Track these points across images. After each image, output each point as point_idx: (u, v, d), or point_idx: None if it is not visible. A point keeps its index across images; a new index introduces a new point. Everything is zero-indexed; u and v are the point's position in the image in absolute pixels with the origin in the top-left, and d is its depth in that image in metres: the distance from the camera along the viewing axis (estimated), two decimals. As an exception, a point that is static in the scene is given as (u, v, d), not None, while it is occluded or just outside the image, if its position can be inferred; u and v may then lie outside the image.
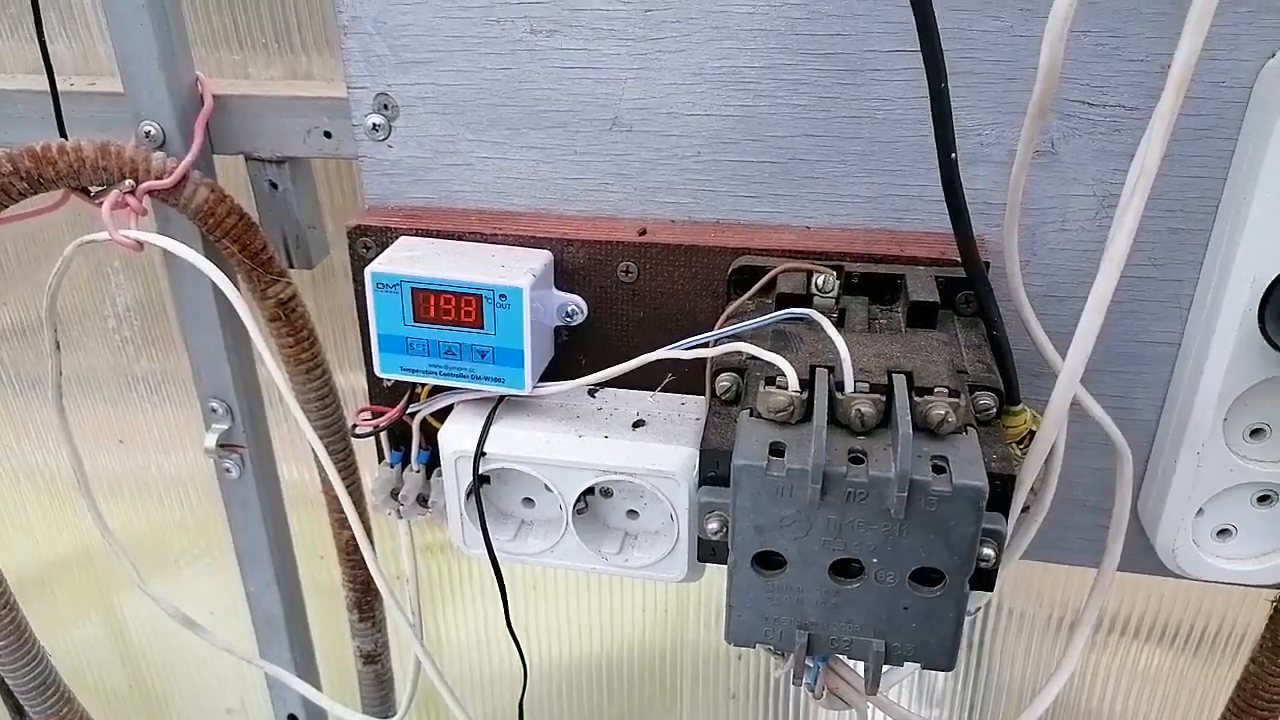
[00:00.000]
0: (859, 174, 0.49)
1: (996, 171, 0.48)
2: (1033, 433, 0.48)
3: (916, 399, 0.37)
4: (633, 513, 0.53)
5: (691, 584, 0.53)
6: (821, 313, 0.44)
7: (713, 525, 0.39)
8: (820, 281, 0.46)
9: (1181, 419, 0.49)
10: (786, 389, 0.38)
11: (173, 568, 1.01)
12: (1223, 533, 0.51)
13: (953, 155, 0.42)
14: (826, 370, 0.39)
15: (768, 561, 0.38)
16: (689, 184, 0.51)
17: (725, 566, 0.43)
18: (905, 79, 0.47)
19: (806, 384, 0.38)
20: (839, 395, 0.38)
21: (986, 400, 0.40)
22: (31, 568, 1.07)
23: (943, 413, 0.36)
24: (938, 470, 0.36)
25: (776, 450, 0.37)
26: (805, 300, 0.45)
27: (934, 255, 0.48)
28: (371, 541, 0.61)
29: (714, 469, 0.40)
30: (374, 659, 0.69)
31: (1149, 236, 0.48)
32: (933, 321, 0.44)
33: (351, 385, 0.86)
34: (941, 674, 0.97)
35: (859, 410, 0.37)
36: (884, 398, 0.38)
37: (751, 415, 0.39)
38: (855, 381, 0.38)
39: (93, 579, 1.07)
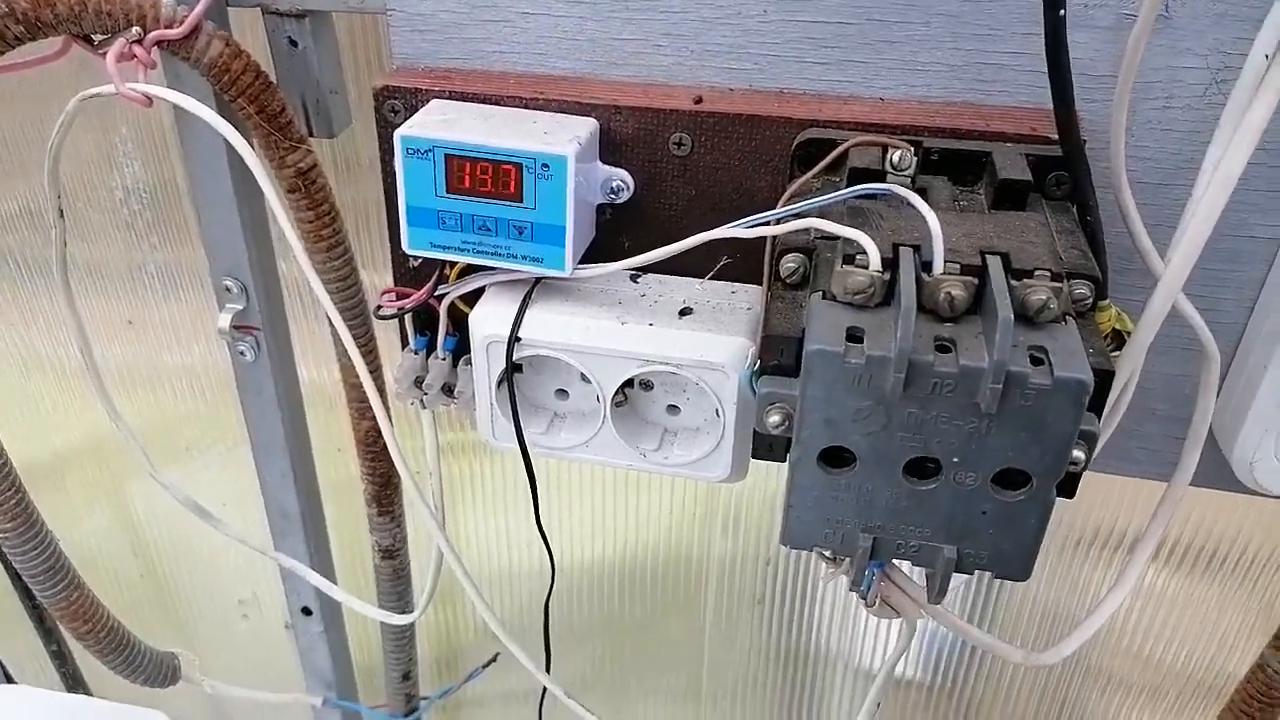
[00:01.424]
0: (943, 38, 0.44)
1: (1099, 39, 0.43)
2: (1116, 330, 0.44)
3: (1013, 283, 0.33)
4: (673, 408, 0.50)
5: (721, 486, 0.50)
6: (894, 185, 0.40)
7: (774, 418, 0.36)
8: (896, 158, 0.41)
9: (1276, 324, 0.45)
10: (867, 268, 0.34)
11: (184, 458, 0.99)
12: (1309, 448, 0.47)
13: (1061, 11, 0.37)
14: (912, 249, 0.34)
15: (835, 458, 0.35)
16: (751, 47, 0.46)
17: (773, 464, 0.40)
18: (1006, -73, 0.41)
19: (889, 263, 0.34)
20: (925, 276, 0.34)
21: (1082, 290, 0.36)
22: (42, 457, 1.06)
23: (1044, 298, 0.32)
24: (1035, 362, 0.32)
25: (854, 335, 0.33)
26: (879, 177, 0.41)
27: (1023, 131, 0.43)
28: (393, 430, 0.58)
29: (778, 356, 0.36)
30: (392, 554, 0.67)
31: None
32: (1022, 203, 0.40)
33: (372, 282, 0.82)
34: (950, 590, 0.95)
35: (948, 293, 0.33)
36: (976, 280, 0.33)
37: (824, 298, 0.35)
38: (945, 262, 0.33)
39: (103, 468, 1.06)
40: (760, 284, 0.48)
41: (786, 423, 0.36)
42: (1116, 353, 0.43)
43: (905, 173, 0.41)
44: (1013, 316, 0.31)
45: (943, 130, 0.43)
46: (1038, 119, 0.43)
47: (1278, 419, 0.46)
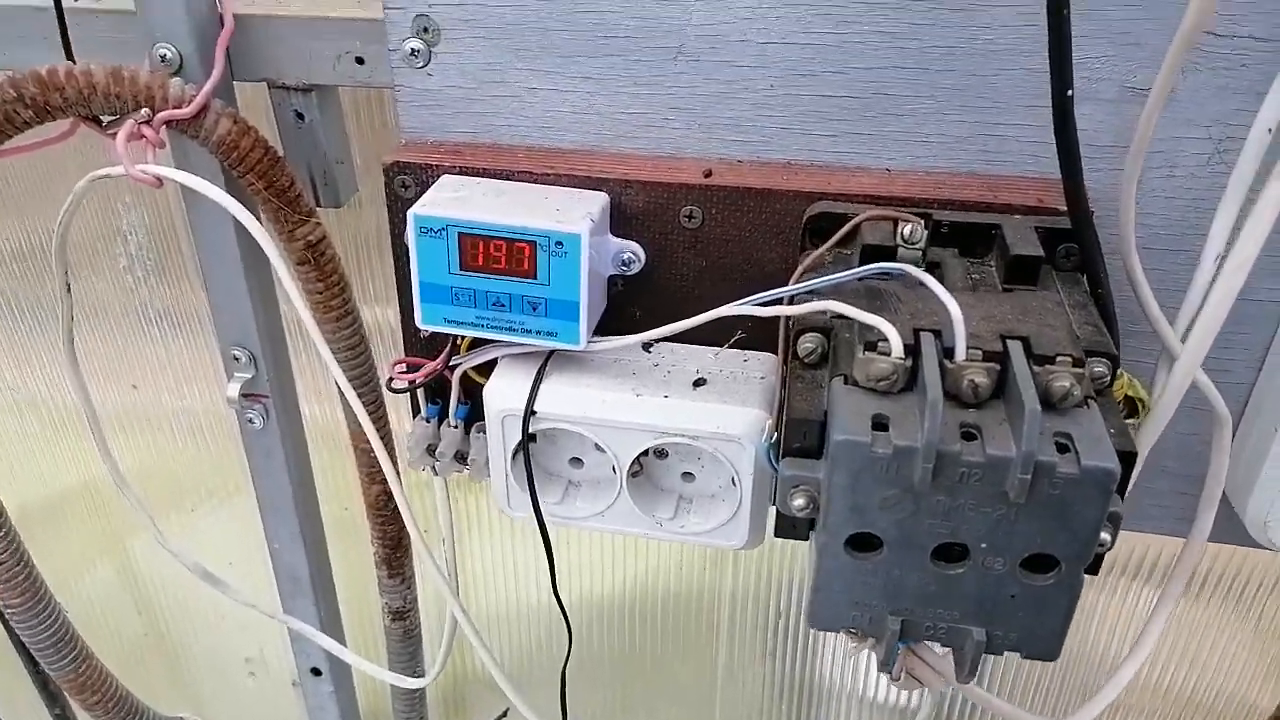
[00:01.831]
0: (950, 111, 0.45)
1: (1104, 110, 0.43)
2: (1129, 397, 0.44)
3: (1036, 369, 0.33)
4: (688, 475, 0.50)
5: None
6: (910, 265, 0.40)
7: (799, 501, 0.36)
8: (907, 231, 0.42)
9: (1287, 384, 0.46)
10: (889, 355, 0.34)
11: (186, 505, 0.98)
12: (1320, 505, 0.48)
13: (1069, 92, 0.38)
14: (933, 334, 0.35)
15: (862, 543, 0.35)
16: (760, 121, 0.46)
17: (803, 542, 0.40)
18: (1009, 3, 0.42)
19: (910, 349, 0.34)
20: (948, 363, 0.34)
21: (1100, 368, 0.36)
22: (39, 507, 1.05)
23: (1066, 385, 0.33)
24: (1061, 449, 0.32)
25: (879, 424, 0.33)
26: (891, 253, 0.41)
27: (1030, 203, 0.43)
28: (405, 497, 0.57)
29: (800, 440, 0.37)
30: (402, 615, 0.67)
31: (1260, 181, 0.43)
32: (1034, 278, 0.40)
33: (375, 320, 0.82)
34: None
35: (972, 380, 0.33)
36: (998, 366, 0.34)
37: (847, 383, 0.35)
38: (967, 348, 0.34)
39: (104, 520, 1.05)
40: (772, 352, 0.49)
41: (811, 505, 0.36)
42: (1131, 420, 0.44)
43: (916, 246, 0.42)
44: (1039, 408, 0.31)
45: (951, 203, 0.44)
46: (1044, 189, 0.44)
47: (1288, 478, 0.46)
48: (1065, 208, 0.42)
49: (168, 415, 0.93)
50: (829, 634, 0.92)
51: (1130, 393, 0.44)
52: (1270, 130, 0.39)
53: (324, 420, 0.84)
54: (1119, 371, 0.40)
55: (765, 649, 0.92)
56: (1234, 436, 0.49)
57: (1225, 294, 0.35)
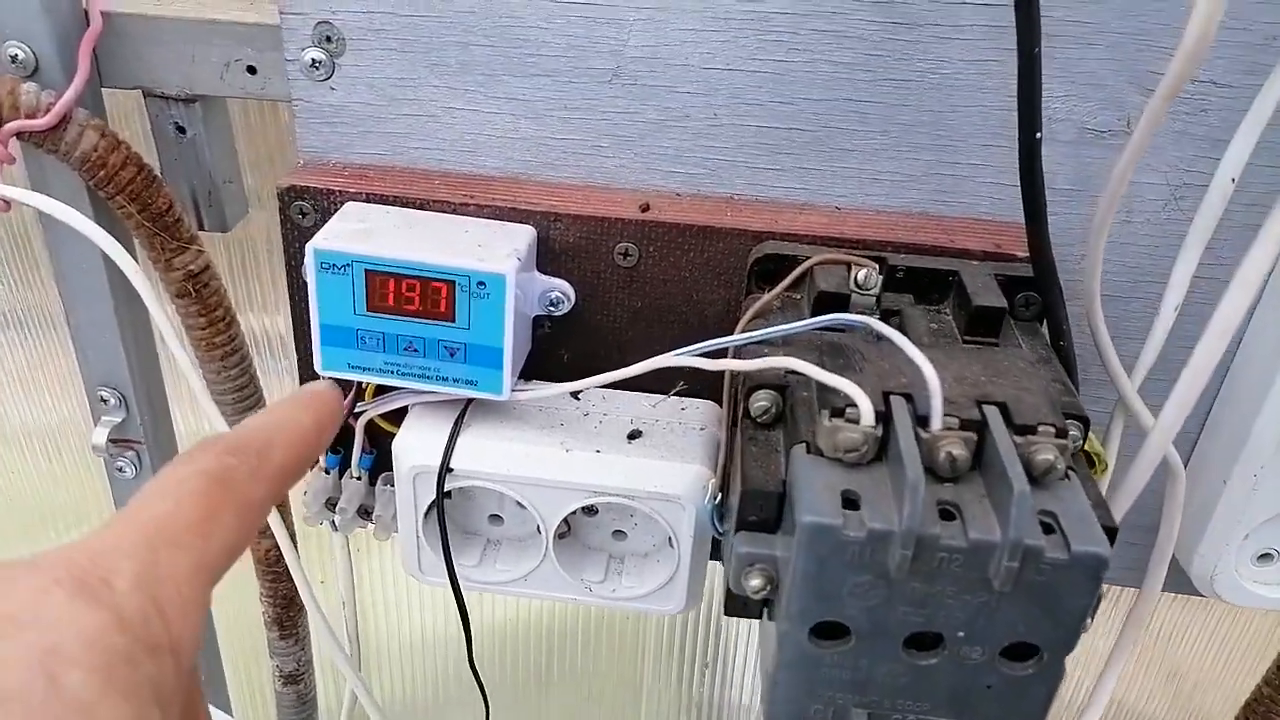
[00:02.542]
0: (903, 148, 0.42)
1: (1060, 152, 0.41)
2: (1085, 452, 0.42)
3: (1017, 439, 0.31)
4: (619, 533, 0.46)
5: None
6: (864, 313, 0.37)
7: (755, 582, 0.32)
8: (861, 276, 0.39)
9: (1235, 439, 0.45)
10: (859, 422, 0.31)
11: (42, 538, 0.88)
12: (1264, 557, 0.47)
13: (1038, 135, 0.35)
14: (904, 399, 0.32)
15: (827, 631, 0.31)
16: (700, 152, 0.43)
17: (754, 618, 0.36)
18: (970, 37, 0.39)
19: (881, 416, 0.31)
20: (922, 432, 0.31)
21: (1074, 431, 0.34)
22: None
23: (1051, 458, 0.30)
24: (1047, 530, 0.29)
25: (850, 502, 0.30)
26: (845, 300, 0.38)
27: (987, 248, 0.41)
28: (297, 552, 0.52)
29: (757, 512, 0.33)
30: (295, 679, 0.60)
31: (1222, 230, 0.42)
32: (997, 330, 0.37)
33: (264, 328, 0.75)
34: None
35: (949, 453, 0.30)
36: (975, 436, 0.31)
37: (809, 451, 0.32)
38: (943, 416, 0.31)
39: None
40: (712, 399, 0.45)
41: (769, 585, 0.32)
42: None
43: (870, 292, 0.39)
44: (1029, 489, 0.28)
45: (905, 245, 0.41)
46: (1001, 233, 0.42)
47: (1237, 532, 0.45)
48: (1023, 253, 0.40)
49: (19, 435, 0.83)
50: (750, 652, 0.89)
51: (1087, 448, 0.42)
52: (1233, 180, 0.38)
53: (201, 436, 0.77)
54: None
55: (690, 663, 0.87)
56: (1177, 487, 0.48)
57: (1204, 366, 0.33)
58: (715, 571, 0.82)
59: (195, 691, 0.25)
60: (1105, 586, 0.54)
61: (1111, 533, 0.31)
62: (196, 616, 0.22)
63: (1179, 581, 0.49)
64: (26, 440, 0.83)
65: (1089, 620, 0.31)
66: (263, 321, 0.76)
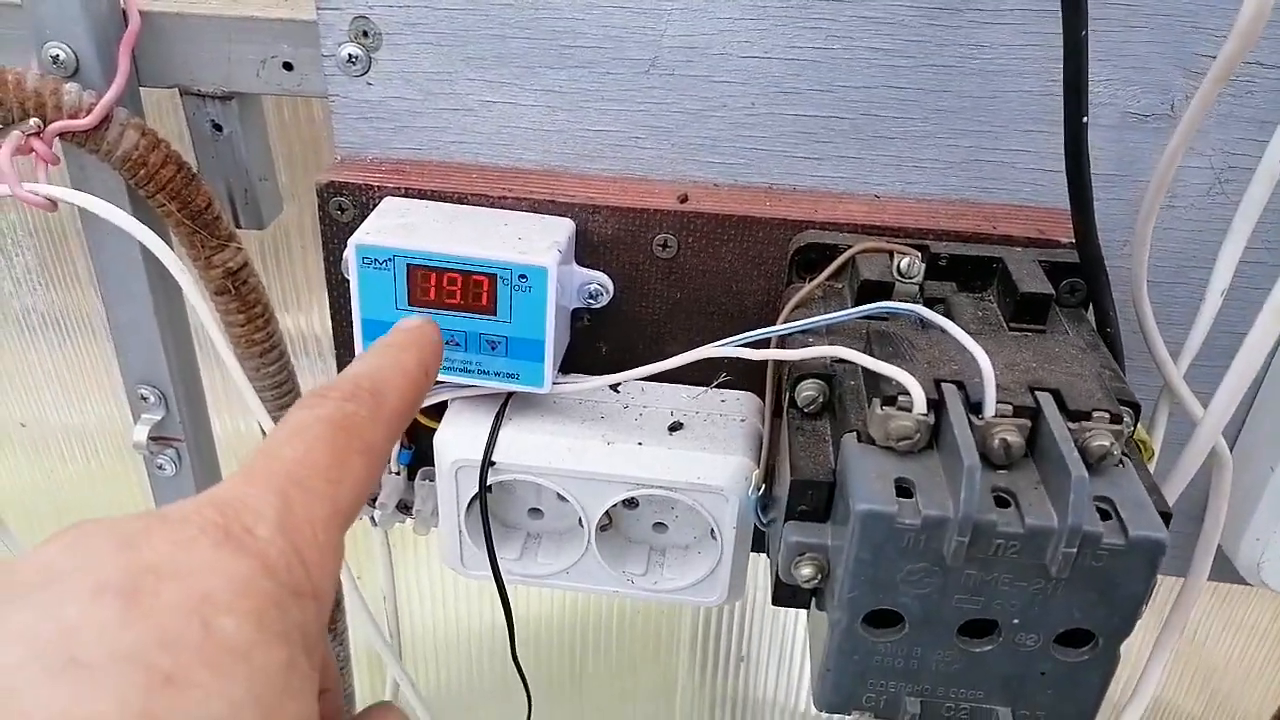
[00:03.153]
0: (943, 134, 0.41)
1: (1103, 138, 0.41)
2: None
3: (1071, 425, 0.30)
4: (660, 525, 0.46)
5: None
6: (908, 302, 0.37)
7: (806, 571, 0.32)
8: (904, 265, 0.38)
9: (1277, 424, 0.44)
10: (911, 410, 0.31)
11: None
12: (1311, 543, 0.46)
13: (1084, 119, 0.35)
14: (956, 386, 0.31)
15: (881, 619, 0.31)
16: (738, 141, 0.43)
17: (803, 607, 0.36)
18: (1011, 21, 0.39)
19: (933, 404, 0.31)
20: (975, 420, 0.30)
21: (1125, 418, 0.33)
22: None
23: (1106, 444, 0.30)
24: (1104, 515, 0.29)
25: (903, 489, 0.30)
26: (889, 289, 0.38)
27: (1030, 234, 0.41)
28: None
29: (807, 502, 0.33)
30: (335, 673, 0.61)
31: (1269, 215, 0.41)
32: (1043, 317, 0.37)
33: (300, 328, 0.76)
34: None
35: (1003, 439, 0.30)
36: (1029, 423, 0.31)
37: (860, 440, 0.32)
38: (996, 403, 0.31)
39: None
40: (752, 390, 0.45)
41: (819, 575, 0.32)
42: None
43: (914, 280, 0.38)
44: (1087, 475, 0.28)
45: (946, 233, 0.41)
46: (1045, 219, 0.41)
47: (1283, 519, 0.45)
48: (1068, 239, 0.39)
49: (57, 435, 0.84)
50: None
51: (1135, 435, 0.41)
52: (1282, 162, 0.37)
53: (239, 431, 0.77)
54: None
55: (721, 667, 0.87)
56: (1221, 474, 0.48)
57: (1254, 356, 0.33)
58: (757, 564, 0.82)
59: (326, 639, 0.25)
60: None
61: (1166, 518, 0.30)
62: (334, 562, 0.22)
63: (1225, 570, 0.49)
64: (65, 440, 0.84)
65: (1144, 607, 0.31)
66: (298, 321, 0.76)
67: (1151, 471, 0.42)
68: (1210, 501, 0.43)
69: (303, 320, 0.76)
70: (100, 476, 0.85)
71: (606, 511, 0.43)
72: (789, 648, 0.87)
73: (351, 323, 0.41)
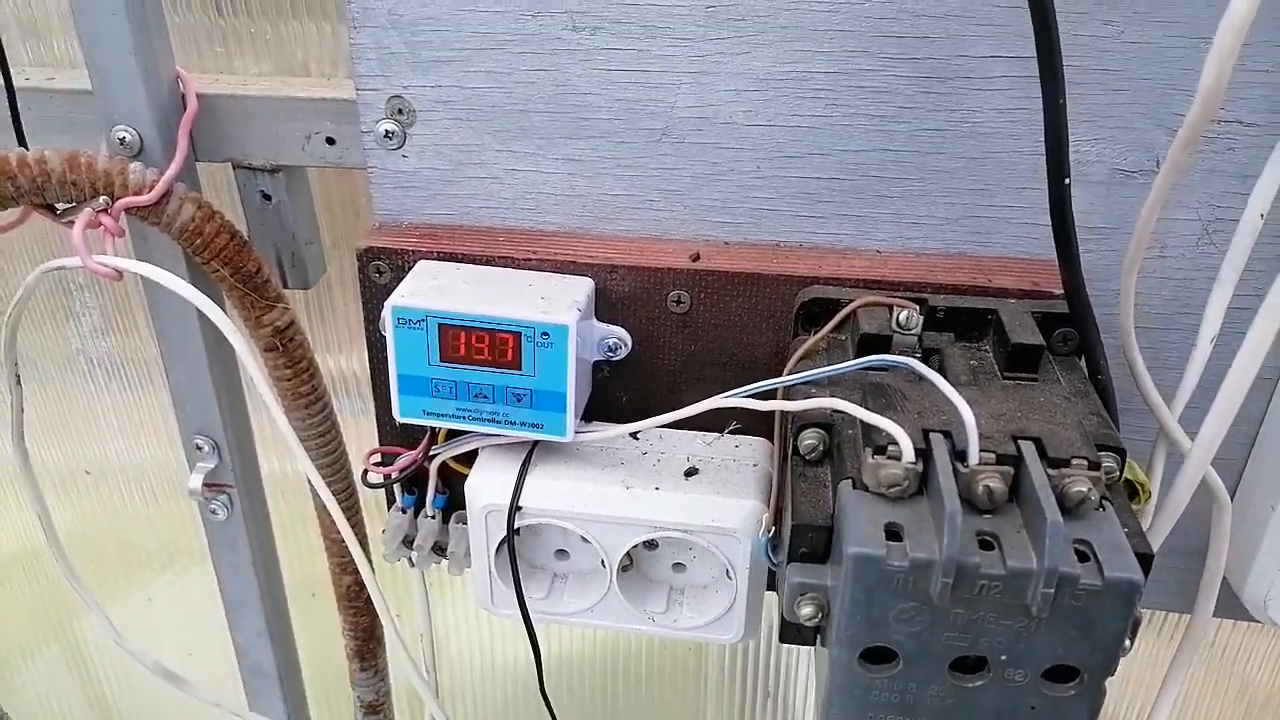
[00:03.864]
0: (938, 193, 0.44)
1: (1093, 193, 0.43)
2: (1128, 481, 0.44)
3: (1051, 472, 0.32)
4: (679, 565, 0.48)
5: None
6: (906, 353, 0.39)
7: (807, 610, 0.34)
8: (903, 318, 0.41)
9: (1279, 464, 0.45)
10: (900, 459, 0.33)
11: (141, 580, 0.93)
12: (1317, 580, 0.47)
13: (1067, 181, 0.37)
14: (943, 435, 0.34)
15: (876, 655, 0.33)
16: (746, 203, 0.45)
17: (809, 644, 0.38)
18: (999, 88, 0.41)
19: (921, 453, 0.33)
20: (961, 467, 0.33)
21: (1110, 463, 0.35)
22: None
23: (1084, 490, 0.32)
24: (1081, 557, 0.31)
25: (893, 533, 0.32)
26: (887, 341, 0.40)
27: (1024, 286, 0.43)
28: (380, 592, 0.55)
29: (807, 544, 0.35)
30: (376, 709, 0.63)
31: (1254, 264, 0.43)
32: (1035, 366, 0.39)
33: (340, 368, 0.79)
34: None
35: (986, 486, 0.32)
36: (1012, 470, 0.33)
37: (855, 486, 0.34)
38: (980, 451, 0.33)
39: (47, 594, 0.99)
40: (764, 436, 0.47)
41: (820, 614, 0.34)
42: (1134, 505, 0.43)
43: (912, 332, 0.41)
44: (1062, 519, 0.30)
45: (943, 286, 0.43)
46: (1038, 272, 0.44)
47: (1287, 556, 0.46)
48: (1059, 290, 0.41)
49: (120, 478, 0.89)
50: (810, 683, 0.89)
51: (1130, 476, 0.43)
52: (1263, 216, 0.39)
53: (290, 477, 0.81)
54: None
55: (750, 705, 0.89)
56: (1228, 512, 0.49)
57: (1236, 389, 0.34)
58: (772, 602, 0.83)
59: None
60: (1161, 613, 0.55)
61: (1146, 559, 0.32)
62: None
63: (1234, 607, 0.50)
64: (125, 482, 0.89)
65: (1128, 643, 0.32)
66: (339, 362, 0.80)
67: (1150, 511, 0.44)
68: (1211, 543, 0.45)
69: (344, 362, 0.80)
70: (159, 517, 0.89)
71: (628, 553, 0.46)
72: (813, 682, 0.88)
73: (388, 378, 0.44)
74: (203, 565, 0.86)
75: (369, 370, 0.49)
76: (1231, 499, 0.49)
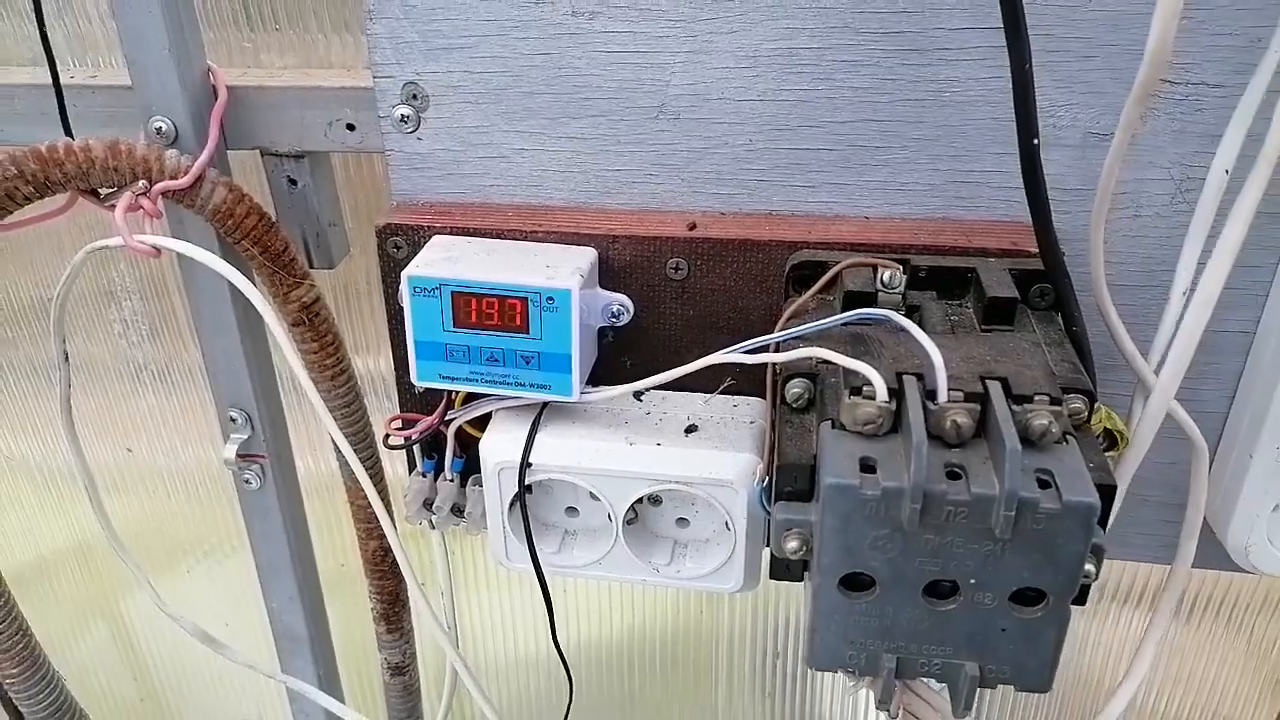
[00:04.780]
0: (922, 161, 0.46)
1: (1069, 155, 0.45)
2: (1107, 430, 0.46)
3: (1015, 408, 0.35)
4: (682, 520, 0.51)
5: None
6: (890, 309, 0.41)
7: (792, 544, 0.37)
8: (887, 277, 0.43)
9: (1258, 413, 0.47)
10: (874, 399, 0.35)
11: (181, 567, 0.98)
12: (1298, 528, 0.49)
13: (1035, 141, 0.39)
14: (915, 378, 0.36)
15: (855, 582, 0.36)
16: (740, 174, 0.48)
17: (799, 583, 0.41)
18: (975, 58, 0.44)
19: (894, 393, 0.36)
20: (931, 405, 0.35)
21: (1077, 404, 0.38)
22: (29, 571, 1.04)
23: (1045, 423, 0.34)
24: (1043, 485, 0.33)
25: (867, 466, 0.34)
26: (872, 298, 0.43)
27: (1004, 246, 0.45)
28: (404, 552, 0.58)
29: (791, 484, 0.38)
30: (402, 670, 0.67)
31: (1221, 218, 0.45)
32: (1010, 318, 0.42)
33: (366, 370, 0.83)
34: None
35: (954, 421, 0.34)
36: (979, 407, 0.35)
37: (834, 427, 0.36)
38: (949, 390, 0.35)
39: (96, 584, 1.04)
40: (760, 396, 0.50)
41: (804, 547, 0.37)
42: (1111, 452, 0.45)
43: (896, 290, 0.43)
44: (1019, 446, 0.32)
45: (927, 248, 0.45)
46: (1017, 233, 0.46)
47: (1266, 504, 0.48)
48: (1038, 250, 0.44)
49: (161, 475, 0.93)
50: (826, 672, 0.92)
51: (1109, 425, 0.45)
52: (1227, 171, 0.41)
53: (319, 475, 0.84)
54: (1096, 406, 0.42)
55: (764, 689, 0.92)
56: (1212, 465, 0.51)
57: (1193, 328, 0.36)
58: (782, 595, 0.86)
59: None
60: (1149, 567, 0.56)
61: (1108, 490, 0.35)
62: None
63: (1218, 557, 0.51)
64: (169, 479, 0.93)
65: (1091, 570, 0.35)
66: (366, 363, 0.83)
67: (1128, 459, 0.46)
68: (1191, 487, 0.46)
69: (370, 363, 0.83)
70: (195, 516, 0.94)
71: (634, 508, 0.49)
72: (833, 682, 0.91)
73: (406, 345, 0.47)
74: (240, 558, 0.91)
75: (389, 340, 0.52)
76: (1214, 452, 0.51)
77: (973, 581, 0.34)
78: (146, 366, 0.86)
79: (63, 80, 0.51)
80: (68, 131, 0.51)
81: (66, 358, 0.53)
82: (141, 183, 0.49)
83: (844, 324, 0.41)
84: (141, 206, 0.48)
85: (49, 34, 0.51)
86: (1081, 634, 0.90)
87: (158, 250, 0.47)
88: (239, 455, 0.59)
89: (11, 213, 0.48)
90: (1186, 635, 0.89)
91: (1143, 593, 0.87)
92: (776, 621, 0.88)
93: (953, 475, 0.34)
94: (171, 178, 0.49)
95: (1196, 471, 0.46)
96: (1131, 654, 0.48)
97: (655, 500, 0.51)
